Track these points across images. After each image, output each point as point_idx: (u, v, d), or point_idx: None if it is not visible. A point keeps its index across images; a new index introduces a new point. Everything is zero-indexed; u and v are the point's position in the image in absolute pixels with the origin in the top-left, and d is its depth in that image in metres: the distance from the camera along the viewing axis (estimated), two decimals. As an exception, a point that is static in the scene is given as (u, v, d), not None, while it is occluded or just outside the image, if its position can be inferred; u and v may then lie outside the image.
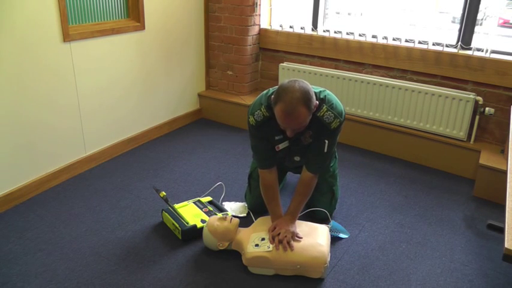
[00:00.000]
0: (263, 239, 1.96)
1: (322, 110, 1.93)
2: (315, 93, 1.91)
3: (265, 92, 2.05)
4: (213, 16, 3.57)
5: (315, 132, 1.98)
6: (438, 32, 3.00)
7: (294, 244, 1.91)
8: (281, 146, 2.05)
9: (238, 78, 3.65)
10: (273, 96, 1.86)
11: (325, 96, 1.97)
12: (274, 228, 1.98)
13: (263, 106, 1.97)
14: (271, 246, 1.91)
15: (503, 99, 2.75)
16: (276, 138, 2.04)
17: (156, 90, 3.30)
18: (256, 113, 1.99)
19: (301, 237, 1.96)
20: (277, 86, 2.05)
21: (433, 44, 2.92)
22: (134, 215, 2.37)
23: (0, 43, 2.20)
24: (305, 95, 1.78)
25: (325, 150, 2.00)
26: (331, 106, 1.95)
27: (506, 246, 1.25)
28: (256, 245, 1.94)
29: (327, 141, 1.99)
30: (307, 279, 1.91)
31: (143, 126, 3.27)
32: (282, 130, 1.98)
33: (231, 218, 2.05)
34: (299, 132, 1.96)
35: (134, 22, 2.97)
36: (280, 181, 2.50)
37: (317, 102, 1.89)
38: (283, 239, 1.91)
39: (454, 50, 2.83)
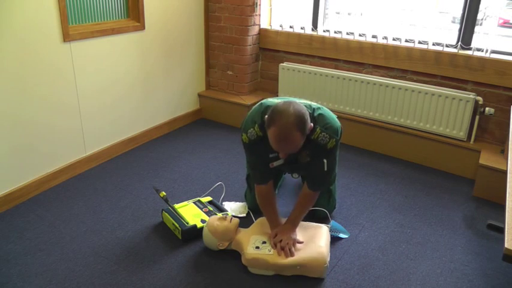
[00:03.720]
0: (264, 242, 1.97)
1: (316, 133, 1.87)
2: (309, 113, 1.86)
3: (257, 106, 2.01)
4: (213, 16, 3.57)
5: (312, 152, 1.95)
6: (438, 32, 2.99)
7: (294, 252, 1.92)
8: (275, 163, 1.99)
9: (238, 78, 3.65)
10: (266, 117, 1.80)
11: (319, 115, 1.92)
12: (276, 235, 1.98)
13: (256, 125, 1.93)
14: (272, 250, 1.92)
15: (503, 99, 2.75)
16: (270, 156, 1.98)
17: (156, 90, 3.30)
18: (250, 131, 1.95)
19: (302, 242, 1.98)
20: (271, 100, 2.02)
21: (433, 44, 2.92)
22: (134, 215, 2.37)
23: (0, 43, 2.20)
24: (299, 119, 1.72)
25: (326, 169, 1.97)
26: (326, 126, 1.90)
27: (506, 246, 1.25)
28: (257, 247, 1.94)
29: (325, 161, 1.95)
30: (307, 279, 1.91)
31: (143, 126, 3.27)
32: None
33: (231, 218, 2.05)
34: (295, 153, 1.91)
35: (134, 22, 2.97)
36: (278, 180, 2.50)
37: (311, 124, 1.83)
38: (285, 246, 1.92)
39: (454, 50, 2.83)
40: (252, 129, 1.94)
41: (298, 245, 1.96)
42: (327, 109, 2.02)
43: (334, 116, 2.01)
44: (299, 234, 2.02)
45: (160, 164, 2.95)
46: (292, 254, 1.90)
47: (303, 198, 2.08)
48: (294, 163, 2.01)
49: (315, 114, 1.91)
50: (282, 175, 2.54)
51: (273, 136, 1.74)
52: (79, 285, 1.85)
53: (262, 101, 2.04)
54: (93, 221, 2.30)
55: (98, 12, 2.75)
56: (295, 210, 2.07)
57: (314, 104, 1.98)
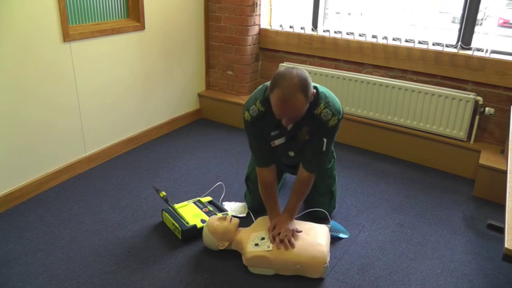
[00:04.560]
0: (263, 239, 1.96)
1: (319, 108, 1.89)
2: (313, 86, 1.87)
3: (260, 86, 2.02)
4: (213, 16, 3.57)
5: (312, 128, 1.95)
6: (438, 32, 3.00)
7: (294, 244, 1.91)
8: (277, 142, 2.00)
9: (238, 78, 3.65)
10: (269, 83, 1.81)
11: (322, 92, 1.93)
12: (274, 227, 1.98)
13: (258, 101, 1.94)
14: (271, 245, 1.91)
15: (503, 99, 2.75)
16: (272, 134, 1.99)
17: (156, 90, 3.30)
18: (252, 108, 1.96)
19: (300, 231, 1.97)
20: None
21: (433, 44, 2.92)
22: (134, 215, 2.37)
23: (0, 43, 2.20)
24: (303, 82, 1.73)
25: (324, 149, 1.98)
26: (328, 103, 1.91)
27: (506, 246, 1.25)
28: (256, 245, 1.94)
29: (325, 140, 1.95)
30: (307, 279, 1.91)
31: (143, 126, 3.27)
32: (278, 125, 1.94)
33: (231, 218, 2.05)
34: (295, 128, 1.92)
35: (134, 22, 2.97)
36: (279, 180, 2.50)
37: (314, 91, 1.84)
38: (284, 238, 1.91)
39: (454, 50, 2.83)
40: (253, 105, 1.95)
41: (297, 244, 1.94)
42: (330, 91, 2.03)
43: (336, 98, 2.01)
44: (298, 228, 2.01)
45: (160, 164, 2.95)
46: (292, 246, 1.89)
47: (299, 184, 2.07)
48: (293, 141, 2.01)
49: (319, 90, 1.92)
50: (282, 175, 2.54)
51: (277, 98, 1.73)
52: (79, 285, 1.85)
53: (265, 83, 2.05)
54: (93, 221, 2.30)
55: (98, 12, 2.75)
56: (292, 198, 2.06)
57: (315, 84, 1.99)
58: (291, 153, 2.13)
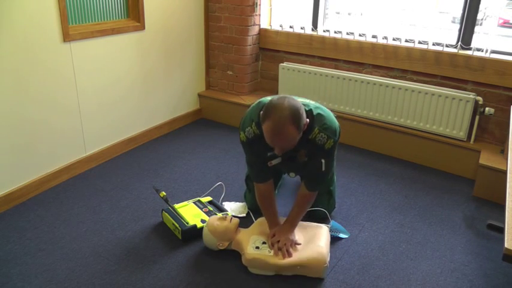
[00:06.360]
0: (264, 243, 1.97)
1: (313, 133, 1.86)
2: (307, 110, 1.85)
3: (255, 104, 2.00)
4: (213, 16, 3.57)
5: (309, 152, 1.94)
6: (438, 32, 3.00)
7: (292, 253, 1.91)
8: (274, 162, 1.97)
9: (238, 78, 3.65)
10: (261, 112, 1.78)
11: (318, 114, 1.90)
12: (274, 235, 1.98)
13: (254, 123, 1.92)
14: (272, 251, 1.92)
15: (503, 99, 2.75)
16: (268, 154, 1.95)
17: (156, 90, 3.30)
18: (247, 129, 1.94)
19: (299, 243, 1.97)
20: (269, 98, 1.99)
21: (433, 44, 2.92)
22: (134, 215, 2.37)
23: (0, 43, 2.20)
24: (294, 114, 1.69)
25: (323, 169, 1.96)
26: (324, 126, 1.88)
27: (506, 246, 1.25)
28: (257, 248, 1.94)
29: (323, 161, 1.94)
30: (307, 279, 1.91)
31: (143, 126, 3.27)
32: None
33: (231, 218, 2.05)
34: (293, 151, 1.90)
35: (134, 22, 2.98)
36: (279, 180, 2.50)
37: (307, 120, 1.81)
38: (283, 247, 1.91)
39: (454, 50, 2.83)
40: (249, 127, 1.94)
41: (297, 246, 1.96)
42: (325, 108, 2.01)
43: (333, 116, 2.00)
44: (299, 234, 2.02)
45: (160, 164, 2.95)
46: (289, 255, 1.90)
47: (301, 198, 2.07)
48: (291, 162, 2.00)
49: (314, 113, 1.90)
50: (281, 175, 2.54)
51: (267, 131, 1.72)
52: (79, 285, 1.85)
53: (261, 99, 2.03)
54: (93, 221, 2.30)
55: (98, 12, 2.75)
56: (293, 211, 2.06)
57: (313, 103, 1.97)
58: (292, 175, 2.16)
